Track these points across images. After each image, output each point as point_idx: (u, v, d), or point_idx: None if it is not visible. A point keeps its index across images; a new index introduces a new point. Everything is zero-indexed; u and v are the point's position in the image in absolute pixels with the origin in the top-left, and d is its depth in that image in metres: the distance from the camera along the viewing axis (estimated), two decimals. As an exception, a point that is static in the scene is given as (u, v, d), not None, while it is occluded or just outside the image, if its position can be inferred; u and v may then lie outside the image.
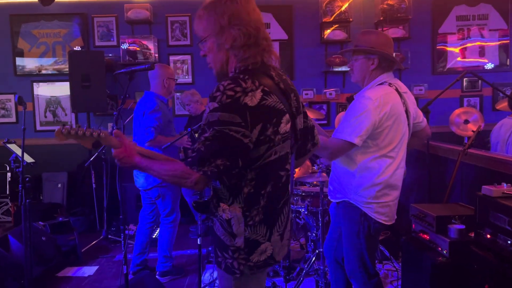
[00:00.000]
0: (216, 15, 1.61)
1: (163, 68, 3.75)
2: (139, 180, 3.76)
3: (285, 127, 1.63)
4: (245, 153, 1.54)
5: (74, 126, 1.69)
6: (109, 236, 4.92)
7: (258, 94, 1.53)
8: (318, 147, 1.97)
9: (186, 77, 5.95)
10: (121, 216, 2.66)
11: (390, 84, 2.43)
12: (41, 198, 5.74)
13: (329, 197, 2.68)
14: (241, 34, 1.59)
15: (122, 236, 2.59)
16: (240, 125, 1.49)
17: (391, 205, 2.45)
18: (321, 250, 3.39)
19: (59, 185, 5.72)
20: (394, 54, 2.52)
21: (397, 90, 2.43)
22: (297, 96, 1.76)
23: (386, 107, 2.32)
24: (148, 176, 3.62)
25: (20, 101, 2.92)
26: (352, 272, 2.55)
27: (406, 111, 2.45)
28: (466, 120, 4.25)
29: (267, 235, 1.66)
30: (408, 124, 2.49)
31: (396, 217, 2.53)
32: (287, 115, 1.64)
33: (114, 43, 5.87)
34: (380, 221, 2.43)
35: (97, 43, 5.90)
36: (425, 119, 2.72)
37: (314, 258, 3.55)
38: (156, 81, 3.69)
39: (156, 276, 3.74)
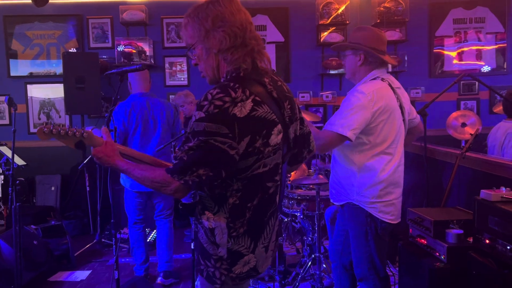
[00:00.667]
0: (199, 20, 1.56)
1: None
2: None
3: (276, 138, 1.56)
4: (230, 164, 1.48)
5: (56, 125, 1.66)
6: (103, 240, 4.85)
7: (248, 104, 1.47)
8: (313, 153, 1.92)
9: (182, 79, 5.90)
10: (112, 220, 2.60)
11: (382, 79, 2.42)
12: (34, 201, 5.67)
13: (331, 200, 2.64)
14: (226, 35, 1.53)
15: (113, 240, 2.53)
16: (227, 136, 1.44)
17: (396, 203, 2.42)
18: (317, 254, 3.35)
19: (53, 188, 5.65)
20: (385, 51, 2.49)
21: (390, 85, 2.42)
22: (292, 104, 1.69)
23: (379, 101, 2.30)
24: None
25: (10, 103, 2.87)
26: (362, 276, 2.50)
27: (401, 106, 2.44)
28: (463, 123, 4.23)
29: (251, 247, 1.60)
30: (404, 120, 2.47)
31: (401, 215, 2.49)
32: (279, 126, 1.57)
33: (109, 44, 5.82)
34: (386, 220, 2.39)
35: (92, 44, 5.85)
36: (418, 116, 2.71)
37: (310, 263, 3.50)
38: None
39: (160, 278, 3.76)
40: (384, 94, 2.35)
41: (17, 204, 2.92)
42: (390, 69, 5.69)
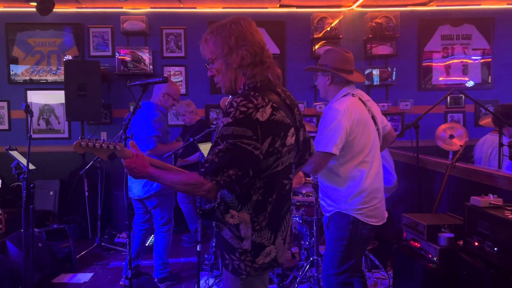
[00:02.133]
0: (223, 38, 1.75)
1: (168, 84, 3.78)
2: (134, 189, 3.78)
3: (290, 139, 1.78)
4: (255, 164, 1.68)
5: (92, 139, 1.77)
6: (103, 244, 4.96)
7: (268, 109, 1.67)
8: (313, 155, 2.12)
9: (180, 88, 6.05)
10: (126, 222, 2.73)
11: (353, 95, 2.64)
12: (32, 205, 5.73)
13: (323, 212, 2.82)
14: (248, 53, 1.74)
15: (126, 241, 2.66)
16: (252, 138, 1.63)
17: (379, 206, 2.62)
18: (315, 257, 3.52)
19: (51, 193, 5.73)
20: (351, 70, 2.69)
21: (360, 99, 2.64)
22: (299, 111, 1.92)
23: (353, 114, 2.51)
24: (145, 185, 3.70)
25: (27, 110, 3.01)
26: (326, 277, 2.68)
27: (373, 117, 2.66)
28: (451, 135, 4.45)
29: (272, 238, 1.80)
30: (377, 129, 2.68)
31: (386, 215, 2.68)
32: (292, 129, 1.79)
33: (109, 53, 5.96)
34: (372, 223, 2.58)
35: (92, 53, 5.98)
36: (389, 123, 2.91)
37: (308, 266, 3.67)
38: (157, 92, 3.80)
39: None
40: (356, 107, 2.57)
41: (31, 206, 3.03)
42: (378, 82, 5.94)
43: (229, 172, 1.63)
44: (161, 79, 2.52)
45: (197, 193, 1.71)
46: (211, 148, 1.69)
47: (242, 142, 1.62)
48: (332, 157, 2.50)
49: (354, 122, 2.50)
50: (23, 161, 3.56)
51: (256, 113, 1.64)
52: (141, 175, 1.80)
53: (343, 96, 2.64)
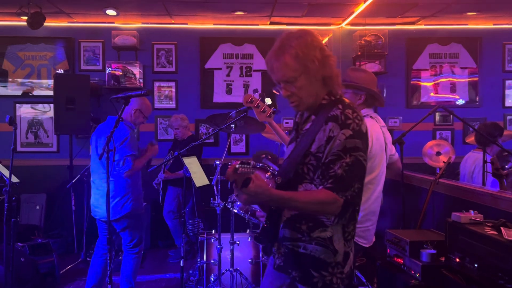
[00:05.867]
0: (307, 52, 1.64)
1: (142, 100, 3.61)
2: (100, 210, 3.56)
3: None
4: (363, 176, 1.69)
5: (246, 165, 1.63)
6: (88, 259, 4.89)
7: (365, 121, 1.70)
8: None
9: (170, 102, 6.07)
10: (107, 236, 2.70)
11: (371, 117, 2.64)
12: (18, 219, 5.66)
13: None
14: (334, 63, 1.72)
15: (107, 256, 2.63)
16: (363, 151, 1.65)
17: (371, 229, 2.63)
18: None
19: (37, 207, 5.68)
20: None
21: (377, 122, 2.65)
22: None
23: (372, 136, 2.53)
24: (116, 206, 3.47)
25: (11, 122, 3.00)
26: None
27: (385, 142, 2.67)
28: (438, 152, 4.48)
29: (351, 246, 1.76)
30: (386, 155, 2.68)
31: (374, 239, 2.68)
32: None
33: (100, 67, 5.98)
34: (360, 243, 2.57)
35: (83, 67, 5.99)
36: (397, 153, 2.92)
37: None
38: (128, 107, 3.37)
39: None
40: (375, 130, 2.59)
41: (12, 220, 3.00)
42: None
43: (355, 185, 1.62)
44: (143, 91, 2.52)
45: (328, 212, 1.63)
46: (330, 162, 1.61)
47: (359, 155, 1.63)
48: None
49: (372, 143, 2.51)
50: (7, 173, 3.53)
51: (362, 125, 1.67)
52: (265, 200, 1.61)
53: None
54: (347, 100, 1.72)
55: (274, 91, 1.79)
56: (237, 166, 1.60)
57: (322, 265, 1.69)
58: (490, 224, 2.33)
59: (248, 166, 1.57)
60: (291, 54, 1.65)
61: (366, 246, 2.63)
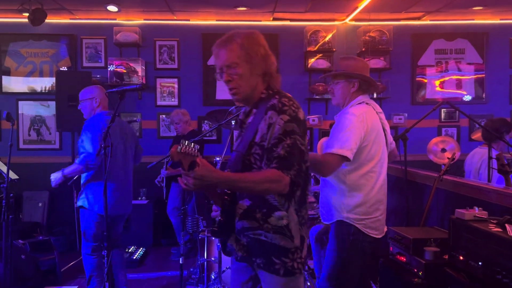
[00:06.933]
0: (253, 45, 1.82)
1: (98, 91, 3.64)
2: (119, 205, 3.57)
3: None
4: (304, 159, 1.78)
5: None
6: (89, 257, 4.86)
7: (301, 110, 1.83)
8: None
9: (173, 99, 6.03)
10: (105, 233, 2.67)
11: (367, 104, 2.60)
12: (20, 217, 5.67)
13: (322, 220, 2.76)
14: (274, 62, 1.89)
15: (105, 253, 2.60)
16: (300, 135, 1.75)
17: (381, 218, 2.58)
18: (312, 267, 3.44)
19: (40, 204, 5.67)
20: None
21: (374, 109, 2.61)
22: None
23: (368, 122, 2.48)
24: (130, 199, 3.57)
25: (9, 118, 2.96)
26: None
27: (383, 129, 2.62)
28: (443, 149, 4.40)
29: (305, 230, 1.86)
30: (386, 142, 2.63)
31: (386, 229, 2.63)
32: None
33: (102, 64, 5.95)
34: (372, 235, 2.53)
35: (85, 64, 5.97)
36: (394, 142, 2.87)
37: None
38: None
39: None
40: (371, 116, 2.54)
41: (10, 216, 2.97)
42: (375, 96, 5.91)
43: (297, 166, 1.71)
44: (138, 85, 2.48)
45: (277, 190, 1.70)
46: (273, 145, 1.71)
47: (297, 139, 1.73)
48: (344, 161, 2.44)
49: (368, 129, 2.48)
50: (5, 170, 3.51)
51: (299, 112, 1.79)
52: (213, 182, 1.62)
53: (358, 103, 2.60)
54: (285, 93, 1.85)
55: (216, 77, 1.88)
56: (179, 146, 1.57)
57: (283, 251, 1.77)
58: (494, 221, 2.26)
59: (191, 147, 1.55)
60: (237, 42, 1.80)
61: (379, 237, 2.59)
